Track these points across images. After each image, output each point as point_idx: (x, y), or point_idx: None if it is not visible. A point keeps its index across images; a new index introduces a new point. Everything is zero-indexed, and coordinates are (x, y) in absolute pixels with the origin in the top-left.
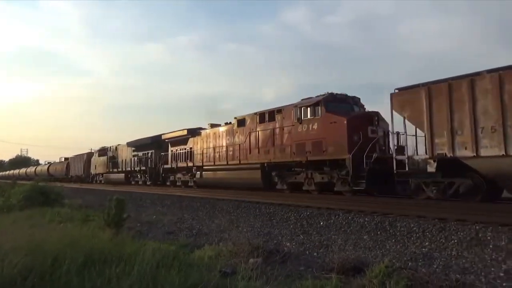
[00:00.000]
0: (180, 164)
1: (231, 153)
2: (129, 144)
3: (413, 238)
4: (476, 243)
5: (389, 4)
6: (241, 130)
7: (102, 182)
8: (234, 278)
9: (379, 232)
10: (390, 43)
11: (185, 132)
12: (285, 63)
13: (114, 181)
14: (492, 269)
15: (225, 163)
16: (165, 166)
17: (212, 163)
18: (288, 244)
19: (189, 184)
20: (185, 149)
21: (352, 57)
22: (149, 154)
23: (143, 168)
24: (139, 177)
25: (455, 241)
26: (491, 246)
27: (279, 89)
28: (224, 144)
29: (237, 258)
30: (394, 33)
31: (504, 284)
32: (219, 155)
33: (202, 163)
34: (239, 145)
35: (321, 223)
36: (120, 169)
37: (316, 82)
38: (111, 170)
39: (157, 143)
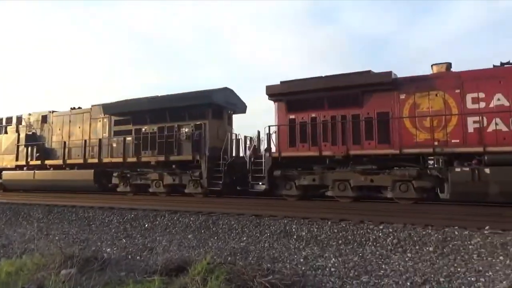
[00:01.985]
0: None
1: None
2: (107, 110)
3: (233, 234)
4: (284, 235)
5: (230, 19)
6: None
7: None
8: None
9: (203, 231)
10: (232, 52)
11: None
12: (126, 60)
13: (49, 185)
14: (295, 256)
15: None
16: (299, 153)
17: None
18: (108, 249)
19: None
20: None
21: (196, 62)
22: (202, 128)
23: (185, 157)
24: (155, 179)
25: (268, 234)
26: (295, 237)
27: (122, 87)
28: None
29: (46, 270)
30: (235, 45)
31: (303, 268)
32: None
33: None
34: None
35: (146, 225)
36: (68, 160)
37: (160, 82)
38: (31, 161)
39: (217, 106)
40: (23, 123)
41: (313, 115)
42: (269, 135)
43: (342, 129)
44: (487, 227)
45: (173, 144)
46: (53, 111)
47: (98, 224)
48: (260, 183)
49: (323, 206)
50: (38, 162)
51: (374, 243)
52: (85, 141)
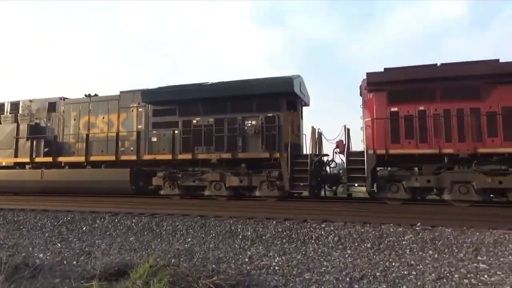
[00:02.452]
0: None
1: None
2: (146, 97)
3: (178, 236)
4: (229, 235)
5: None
6: None
7: None
8: None
9: (146, 233)
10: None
11: None
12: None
13: (63, 187)
14: (240, 256)
15: None
16: None
17: None
18: (41, 255)
19: None
20: None
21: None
22: (276, 121)
23: (260, 154)
24: (214, 180)
25: (213, 235)
26: (240, 237)
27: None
28: None
29: None
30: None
31: (248, 267)
32: None
33: None
34: None
35: (84, 228)
36: (92, 157)
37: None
38: (37, 158)
39: (293, 96)
40: (21, 111)
41: (422, 108)
42: (371, 130)
43: (460, 124)
44: (418, 224)
45: (237, 139)
46: (64, 98)
47: (30, 228)
48: (356, 185)
49: (268, 206)
50: (49, 159)
51: (317, 241)
52: (117, 134)
